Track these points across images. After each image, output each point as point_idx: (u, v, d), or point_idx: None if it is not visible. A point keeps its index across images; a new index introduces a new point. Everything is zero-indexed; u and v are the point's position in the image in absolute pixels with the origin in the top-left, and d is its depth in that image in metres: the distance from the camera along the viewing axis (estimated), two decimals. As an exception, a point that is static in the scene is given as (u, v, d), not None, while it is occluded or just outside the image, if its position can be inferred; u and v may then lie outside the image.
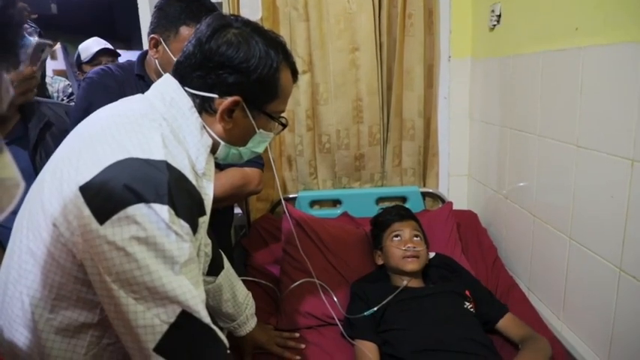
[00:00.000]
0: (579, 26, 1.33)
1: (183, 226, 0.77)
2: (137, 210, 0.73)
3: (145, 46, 1.60)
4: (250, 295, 1.39)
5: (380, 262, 1.68)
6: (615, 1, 1.20)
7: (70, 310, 0.81)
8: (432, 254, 1.69)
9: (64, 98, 2.82)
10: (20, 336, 0.82)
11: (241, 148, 0.97)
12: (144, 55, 1.54)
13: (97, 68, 1.59)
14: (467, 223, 2.04)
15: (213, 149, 0.94)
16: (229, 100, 0.88)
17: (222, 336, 0.84)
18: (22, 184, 0.49)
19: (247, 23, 0.91)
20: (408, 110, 2.16)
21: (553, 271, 1.52)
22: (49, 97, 2.63)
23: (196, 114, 0.89)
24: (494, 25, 1.86)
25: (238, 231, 2.27)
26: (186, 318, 0.77)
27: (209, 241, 1.25)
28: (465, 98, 2.17)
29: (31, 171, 1.32)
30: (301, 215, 1.89)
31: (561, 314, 1.50)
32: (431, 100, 2.17)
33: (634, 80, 1.12)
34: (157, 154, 0.79)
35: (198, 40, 0.89)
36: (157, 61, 1.41)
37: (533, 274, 1.68)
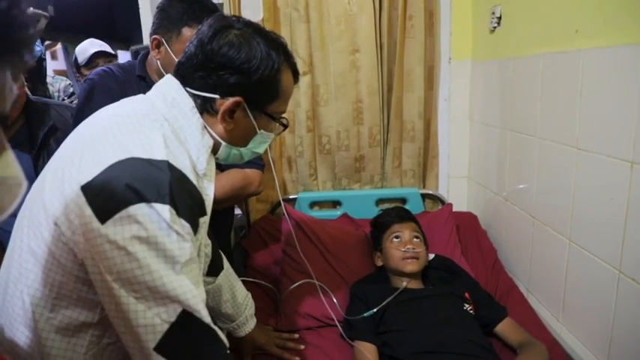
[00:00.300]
0: (579, 28, 1.33)
1: (184, 225, 0.78)
2: (138, 209, 0.73)
3: (146, 46, 1.61)
4: (250, 295, 1.39)
5: (379, 263, 1.68)
6: (615, 4, 1.21)
7: (71, 309, 0.81)
8: (431, 256, 1.70)
9: (65, 98, 2.82)
10: (21, 335, 0.82)
11: (242, 149, 0.98)
12: (145, 56, 1.55)
13: (98, 69, 1.59)
14: (467, 224, 2.04)
15: (214, 150, 0.94)
16: (231, 100, 0.88)
17: (223, 336, 0.84)
18: (25, 184, 0.50)
19: (249, 24, 0.92)
20: (408, 112, 2.16)
21: (552, 273, 1.52)
22: (50, 96, 2.63)
23: (198, 114, 0.90)
24: (495, 27, 1.87)
25: (238, 232, 2.27)
26: (186, 317, 0.77)
27: (209, 242, 1.25)
28: (465, 100, 2.18)
29: (33, 175, 1.33)
30: (301, 216, 1.89)
31: (560, 316, 1.50)
32: (431, 102, 2.17)
33: (634, 82, 1.12)
34: (158, 154, 0.79)
35: (200, 40, 0.89)
36: (158, 61, 1.41)
37: (533, 276, 1.68)
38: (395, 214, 1.72)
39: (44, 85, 2.50)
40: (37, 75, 2.22)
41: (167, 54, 1.38)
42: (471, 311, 1.48)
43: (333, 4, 2.03)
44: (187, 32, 1.35)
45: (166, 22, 1.37)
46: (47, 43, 3.78)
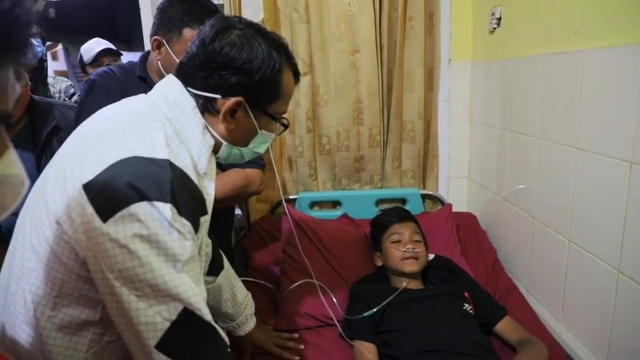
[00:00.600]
0: (579, 29, 1.34)
1: (185, 224, 0.78)
2: (140, 208, 0.74)
3: (147, 47, 1.61)
4: (250, 295, 1.40)
5: (379, 263, 1.68)
6: (614, 5, 1.21)
7: (72, 307, 0.81)
8: (431, 256, 1.70)
9: (66, 98, 2.82)
10: (23, 333, 0.83)
11: (243, 149, 0.98)
12: (145, 57, 1.55)
13: (99, 70, 1.60)
14: (466, 225, 2.04)
15: (215, 149, 0.95)
16: (232, 100, 0.89)
17: (223, 334, 0.85)
18: (27, 182, 0.50)
19: (250, 25, 0.92)
20: (408, 112, 2.16)
21: (552, 273, 1.52)
22: (51, 97, 2.63)
23: (199, 114, 0.90)
24: (495, 28, 1.87)
25: (238, 232, 2.28)
26: (187, 315, 0.77)
27: (209, 241, 1.26)
28: (465, 101, 2.18)
29: (36, 174, 1.34)
30: (301, 216, 1.90)
31: (560, 316, 1.50)
32: (431, 103, 2.18)
33: (633, 83, 1.13)
34: (160, 153, 0.80)
35: (201, 40, 0.89)
36: (159, 62, 1.42)
37: (533, 276, 1.68)
38: (395, 214, 1.73)
39: (45, 85, 2.50)
40: (38, 75, 2.22)
41: (168, 55, 1.38)
42: (471, 311, 1.48)
43: (333, 5, 2.03)
44: (188, 33, 1.35)
45: (167, 23, 1.38)
46: (48, 43, 3.78)
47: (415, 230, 1.66)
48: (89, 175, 0.76)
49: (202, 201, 0.87)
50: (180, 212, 0.77)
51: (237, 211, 2.17)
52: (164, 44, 1.38)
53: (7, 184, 0.48)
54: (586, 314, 1.38)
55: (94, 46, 2.71)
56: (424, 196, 2.22)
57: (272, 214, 2.20)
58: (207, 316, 0.81)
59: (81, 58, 2.77)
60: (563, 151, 1.42)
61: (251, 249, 1.98)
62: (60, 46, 4.26)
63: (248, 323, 1.37)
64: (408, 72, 2.12)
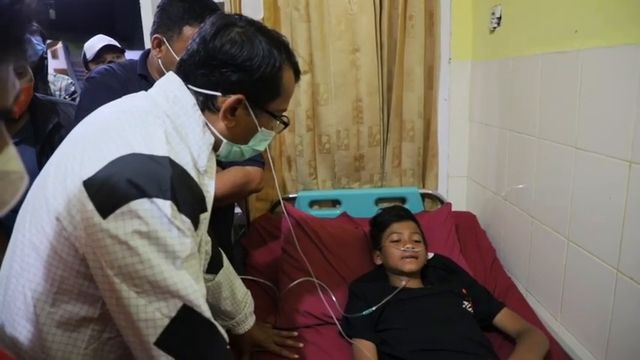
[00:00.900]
0: (579, 29, 1.34)
1: (185, 221, 0.78)
2: (140, 205, 0.74)
3: (147, 45, 1.61)
4: (249, 293, 1.40)
5: (379, 262, 1.68)
6: (614, 4, 1.21)
7: (72, 304, 0.82)
8: (430, 255, 1.70)
9: (67, 96, 2.81)
10: (22, 329, 0.83)
11: (243, 146, 0.98)
12: (146, 55, 1.55)
13: (99, 68, 1.59)
14: (466, 224, 2.05)
15: (215, 147, 0.95)
16: (232, 98, 0.89)
17: (223, 331, 0.85)
18: (27, 178, 0.50)
19: (251, 22, 0.92)
20: (408, 111, 2.17)
21: (551, 272, 1.53)
22: (51, 95, 2.63)
23: (199, 112, 0.90)
24: (495, 28, 1.87)
25: (238, 230, 2.28)
26: (187, 312, 0.77)
27: (209, 239, 1.26)
28: (464, 100, 2.18)
29: (37, 171, 1.34)
30: (301, 215, 1.90)
31: (559, 315, 1.51)
32: (431, 102, 2.18)
33: (632, 82, 1.13)
34: (160, 150, 0.80)
35: (202, 38, 0.89)
36: (159, 60, 1.42)
37: (532, 275, 1.69)
38: (394, 213, 1.73)
39: (45, 83, 2.50)
40: (38, 73, 2.22)
41: (168, 53, 1.39)
42: (470, 309, 1.48)
43: (333, 4, 2.03)
44: (188, 31, 1.35)
45: (167, 21, 1.38)
46: (48, 42, 3.78)
47: (415, 229, 1.66)
48: (89, 172, 0.77)
49: (202, 198, 0.87)
50: (180, 209, 0.77)
51: (237, 210, 2.17)
52: (164, 42, 1.38)
53: (6, 180, 0.48)
54: (585, 313, 1.38)
55: (96, 42, 2.69)
56: (423, 195, 2.22)
57: (271, 213, 2.20)
58: (207, 313, 0.81)
59: (84, 55, 2.76)
60: (563, 150, 1.42)
61: (250, 247, 1.98)
62: (60, 45, 4.26)
63: (247, 321, 1.37)
64: (408, 71, 2.12)
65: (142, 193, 0.74)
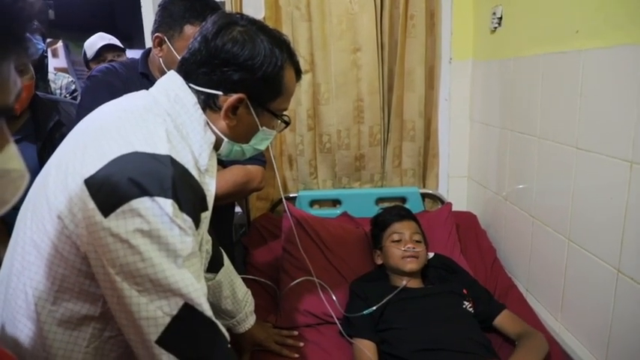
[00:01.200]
0: (580, 29, 1.34)
1: (186, 220, 0.78)
2: (141, 203, 0.74)
3: (148, 44, 1.61)
4: (250, 292, 1.40)
5: (379, 261, 1.68)
6: (615, 4, 1.21)
7: (73, 302, 0.82)
8: (431, 255, 1.70)
9: (67, 95, 2.81)
10: (24, 327, 0.83)
11: (244, 145, 0.98)
12: (147, 53, 1.55)
13: (101, 66, 1.59)
14: (466, 224, 2.05)
15: (216, 146, 0.95)
16: (234, 97, 0.89)
17: (224, 329, 0.85)
18: (27, 176, 0.50)
19: (253, 21, 0.92)
20: (408, 111, 2.17)
21: (551, 272, 1.53)
22: (51, 93, 2.63)
23: (200, 110, 0.90)
24: (496, 28, 1.87)
25: (238, 229, 2.28)
26: (188, 311, 0.77)
27: (209, 238, 1.26)
28: (465, 100, 2.18)
29: (38, 169, 1.35)
30: (301, 214, 1.90)
31: (559, 315, 1.51)
32: (431, 102, 2.18)
33: (633, 82, 1.13)
34: (161, 149, 0.80)
35: (203, 37, 0.89)
36: (161, 59, 1.42)
37: (532, 275, 1.69)
38: (395, 212, 1.73)
39: (46, 82, 2.50)
40: (38, 72, 2.22)
41: (169, 52, 1.38)
42: (470, 309, 1.49)
43: (334, 3, 2.03)
44: (189, 30, 1.35)
45: (168, 20, 1.38)
46: (49, 40, 3.78)
47: (415, 229, 1.66)
48: (90, 170, 0.77)
49: (203, 197, 0.87)
50: (182, 208, 0.77)
51: (237, 209, 2.17)
52: (165, 41, 1.38)
53: (6, 178, 0.48)
54: (585, 313, 1.38)
55: (96, 41, 2.68)
56: (424, 195, 2.22)
57: (272, 212, 2.20)
58: (208, 312, 0.81)
59: (84, 54, 2.74)
60: (564, 150, 1.42)
61: (251, 247, 1.98)
62: (60, 43, 4.26)
63: (248, 320, 1.37)
64: (408, 71, 2.12)
65: (144, 192, 0.74)
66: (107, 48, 2.65)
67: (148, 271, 0.74)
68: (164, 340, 0.76)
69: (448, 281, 1.61)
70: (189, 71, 0.91)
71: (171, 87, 0.91)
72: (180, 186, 0.78)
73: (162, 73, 1.33)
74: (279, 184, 1.61)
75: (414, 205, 2.11)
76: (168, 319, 0.76)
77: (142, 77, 1.51)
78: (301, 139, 2.17)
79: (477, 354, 1.31)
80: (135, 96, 0.95)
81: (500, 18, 1.84)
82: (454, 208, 2.06)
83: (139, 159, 0.77)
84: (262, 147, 1.02)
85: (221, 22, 0.90)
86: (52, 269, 0.80)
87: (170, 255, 0.76)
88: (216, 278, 1.29)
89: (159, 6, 1.42)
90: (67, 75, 2.98)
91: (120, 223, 0.73)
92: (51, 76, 2.76)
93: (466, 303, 1.49)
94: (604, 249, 1.27)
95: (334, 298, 1.58)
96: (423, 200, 2.22)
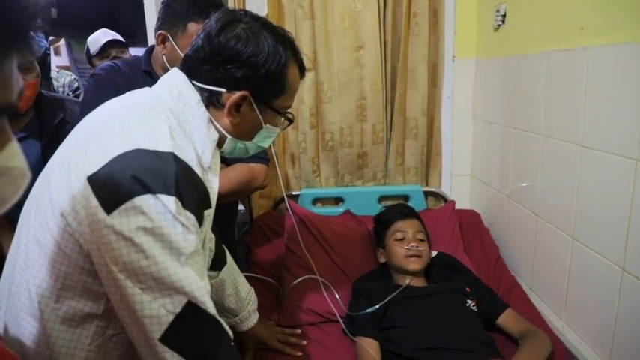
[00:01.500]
0: (584, 26, 1.33)
1: (189, 217, 0.78)
2: (144, 201, 0.74)
3: (151, 41, 1.61)
4: (253, 290, 1.40)
5: (382, 260, 1.68)
6: (620, 1, 1.21)
7: (76, 300, 0.82)
8: (434, 253, 1.70)
9: (70, 93, 2.81)
10: (27, 325, 0.83)
11: (247, 143, 0.98)
12: (150, 51, 1.55)
13: (104, 64, 1.60)
14: (469, 222, 2.04)
15: (220, 143, 0.95)
16: (237, 94, 0.89)
17: (227, 327, 0.85)
18: (29, 175, 0.50)
19: (256, 18, 0.92)
20: (411, 109, 2.16)
21: (555, 270, 1.52)
22: (54, 91, 2.63)
23: (203, 108, 0.90)
24: (499, 25, 1.86)
25: (241, 227, 2.28)
26: (191, 308, 0.77)
27: (213, 236, 1.26)
28: (468, 98, 2.17)
29: (42, 167, 1.35)
30: (304, 212, 1.90)
31: (563, 314, 1.50)
32: (434, 100, 2.17)
33: (638, 80, 1.12)
34: (164, 146, 0.79)
35: (207, 34, 0.89)
36: (164, 57, 1.42)
37: (535, 273, 1.68)
38: (399, 211, 1.72)
39: (48, 80, 2.50)
40: (41, 70, 2.22)
41: (173, 49, 1.38)
42: (474, 307, 1.48)
43: (337, 1, 2.03)
44: (193, 27, 1.35)
45: (172, 18, 1.38)
46: (51, 38, 3.78)
47: (419, 228, 1.65)
48: (94, 168, 0.76)
49: (206, 194, 0.87)
50: (185, 205, 0.77)
51: (240, 207, 2.17)
52: (169, 39, 1.38)
53: (8, 177, 0.47)
54: (589, 312, 1.38)
55: (100, 37, 2.67)
56: (427, 194, 2.22)
57: (274, 210, 2.20)
58: (212, 310, 0.81)
59: (88, 50, 2.74)
60: (568, 148, 1.42)
61: (253, 245, 1.98)
62: (63, 41, 4.26)
63: (251, 318, 1.37)
64: (411, 69, 2.11)
65: (147, 189, 0.74)
66: (111, 44, 2.64)
67: (151, 269, 0.74)
68: (167, 338, 0.76)
69: (451, 280, 1.60)
70: (192, 68, 0.90)
71: (175, 84, 0.91)
72: (183, 183, 0.78)
73: (166, 70, 1.33)
74: (282, 182, 1.60)
75: (417, 204, 2.11)
76: (171, 317, 0.76)
77: (145, 75, 1.51)
78: (304, 137, 2.17)
79: (480, 352, 1.31)
80: (138, 93, 0.94)
81: (504, 15, 1.83)
82: (457, 207, 2.06)
83: (141, 156, 0.77)
84: (265, 145, 1.02)
85: (224, 19, 0.90)
86: (55, 267, 0.80)
87: (173, 252, 0.76)
88: (219, 276, 1.29)
89: (162, 3, 1.42)
90: (70, 73, 2.99)
91: (123, 220, 0.73)
92: (54, 73, 2.77)
93: (469, 301, 1.49)
94: (608, 247, 1.27)
95: (337, 296, 1.58)
96: (426, 198, 2.21)
